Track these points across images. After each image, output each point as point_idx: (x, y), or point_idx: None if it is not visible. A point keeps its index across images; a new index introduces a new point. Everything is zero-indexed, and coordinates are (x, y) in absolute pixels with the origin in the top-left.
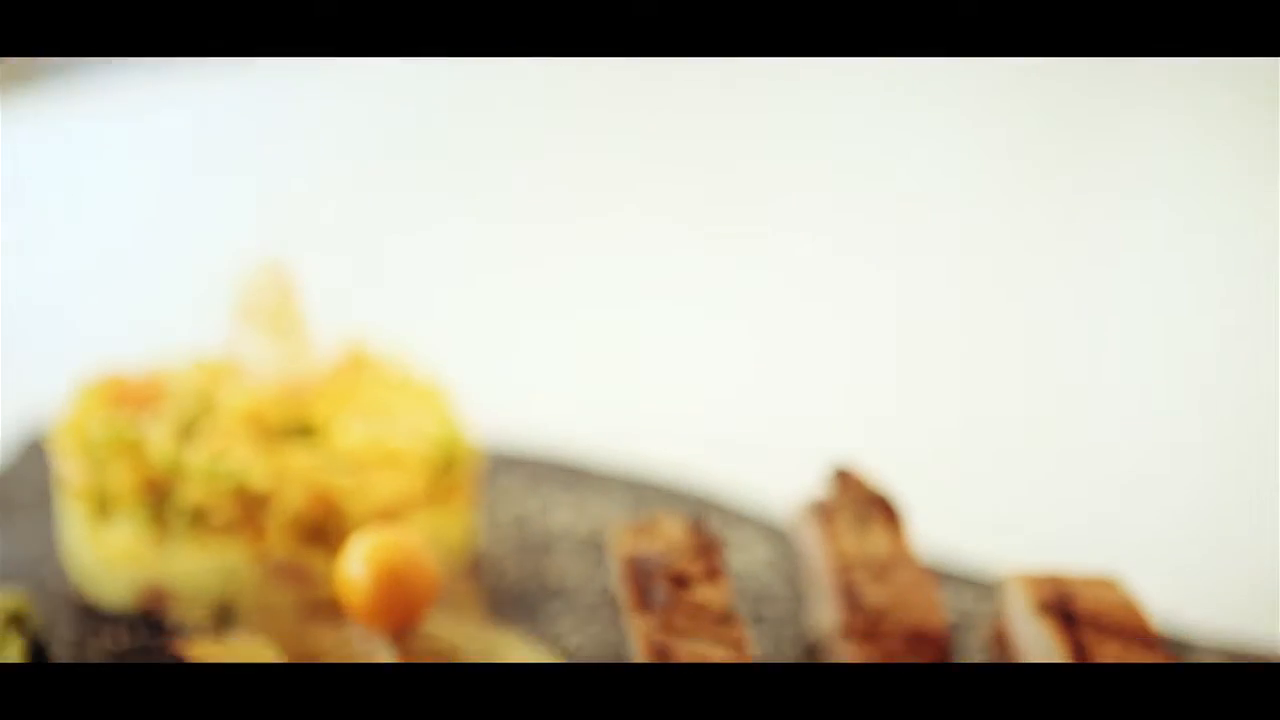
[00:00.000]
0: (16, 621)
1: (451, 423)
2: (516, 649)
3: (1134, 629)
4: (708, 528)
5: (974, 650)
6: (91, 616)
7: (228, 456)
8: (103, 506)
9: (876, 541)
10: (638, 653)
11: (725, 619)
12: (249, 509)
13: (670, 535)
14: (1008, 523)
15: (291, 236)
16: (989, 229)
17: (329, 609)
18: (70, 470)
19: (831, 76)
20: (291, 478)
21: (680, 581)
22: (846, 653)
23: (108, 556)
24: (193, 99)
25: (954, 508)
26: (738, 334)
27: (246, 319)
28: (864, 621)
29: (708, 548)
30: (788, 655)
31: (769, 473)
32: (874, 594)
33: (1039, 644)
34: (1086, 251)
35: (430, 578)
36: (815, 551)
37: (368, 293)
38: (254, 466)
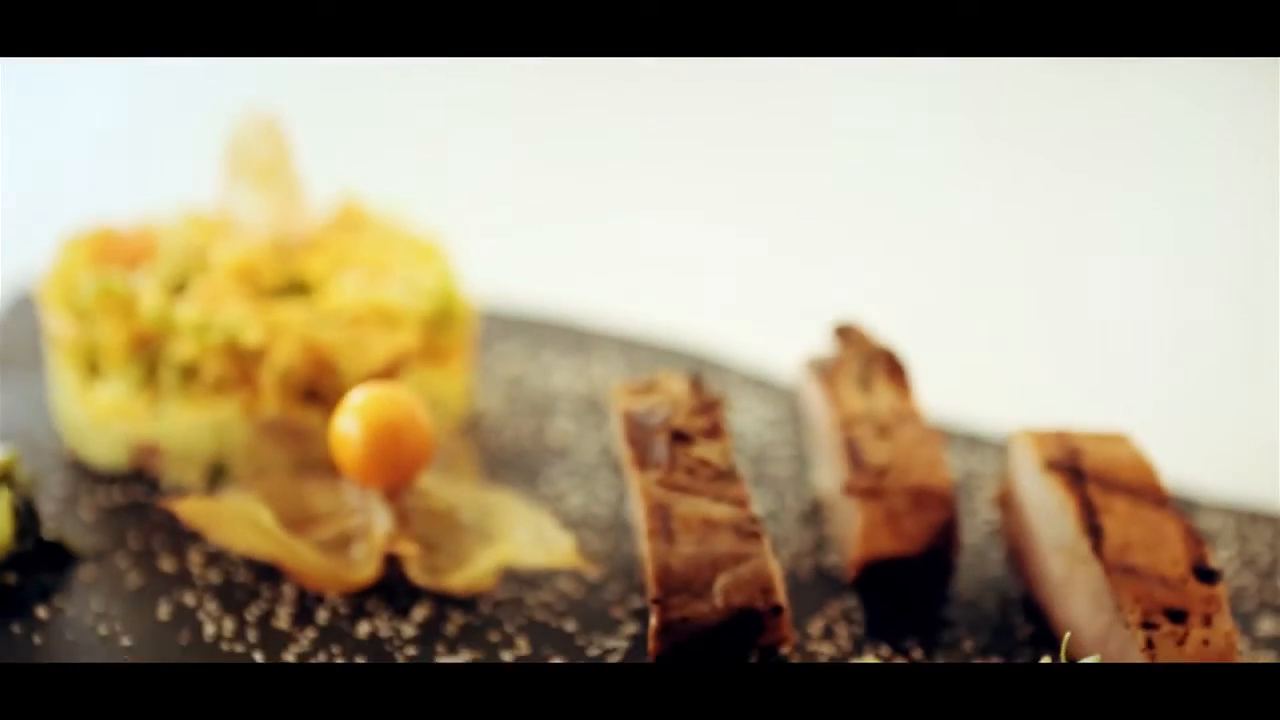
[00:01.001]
0: (4, 479)
1: (448, 279)
2: (514, 509)
3: (1143, 485)
4: (708, 386)
5: (980, 508)
6: (82, 475)
7: (220, 312)
8: (93, 364)
9: (880, 399)
10: (638, 510)
11: (725, 476)
12: (241, 366)
13: (671, 393)
14: (1014, 384)
15: (286, 90)
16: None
17: (323, 467)
18: (59, 327)
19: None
20: (285, 334)
21: (681, 438)
22: (849, 511)
23: (98, 414)
24: None
25: (961, 369)
26: (741, 197)
27: (239, 173)
28: (867, 479)
29: (708, 405)
30: (791, 513)
31: (772, 331)
32: (877, 451)
33: (1046, 501)
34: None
35: (426, 435)
36: (818, 409)
37: (364, 149)
38: (246, 323)
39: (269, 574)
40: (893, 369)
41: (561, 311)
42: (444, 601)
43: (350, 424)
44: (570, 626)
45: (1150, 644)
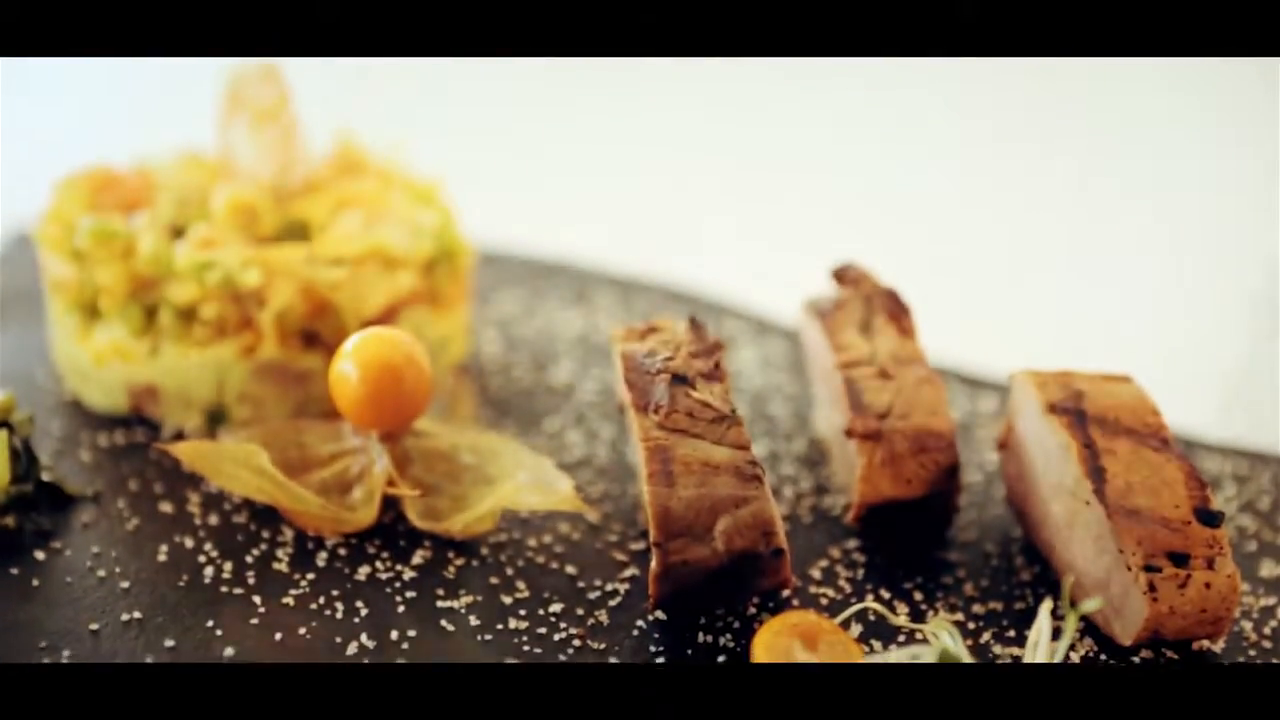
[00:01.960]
0: (2, 421)
1: (448, 222)
2: (514, 452)
3: (1145, 427)
4: (707, 329)
5: (982, 451)
6: (81, 417)
7: (218, 255)
8: (91, 306)
9: (881, 341)
10: (638, 453)
11: (726, 419)
12: (240, 309)
13: (671, 336)
14: (1017, 326)
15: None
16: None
17: (322, 410)
18: (56, 269)
19: None
20: (283, 277)
21: (681, 381)
22: (850, 454)
23: (97, 357)
24: None
25: (964, 310)
26: (742, 141)
27: (237, 117)
28: (868, 422)
29: (709, 348)
30: (791, 456)
31: (772, 274)
32: (878, 394)
33: (1048, 443)
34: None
35: (424, 378)
36: (818, 352)
37: (364, 93)
38: (245, 265)
39: (268, 516)
40: (894, 310)
41: (561, 255)
42: (443, 544)
43: (348, 367)
44: (571, 569)
45: (1152, 587)
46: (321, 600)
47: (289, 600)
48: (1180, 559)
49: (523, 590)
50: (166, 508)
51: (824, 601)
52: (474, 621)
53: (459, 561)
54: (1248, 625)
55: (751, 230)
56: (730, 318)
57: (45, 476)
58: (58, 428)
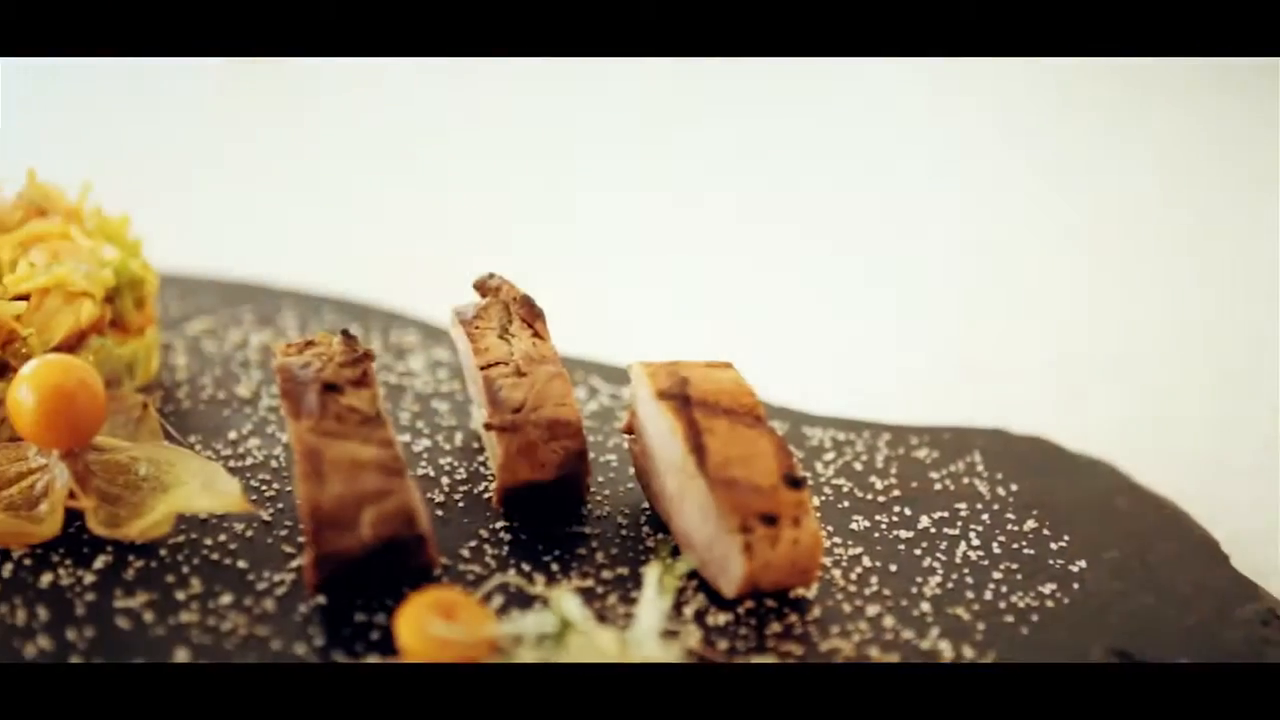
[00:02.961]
0: None
1: (132, 253)
2: (187, 461)
3: (741, 407)
4: (359, 341)
5: (615, 435)
6: None
7: None
8: None
9: (518, 343)
10: (295, 454)
11: (372, 421)
12: None
13: (326, 349)
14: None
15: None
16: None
17: (12, 433)
18: None
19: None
20: None
21: (331, 389)
22: (494, 444)
23: None
24: None
25: (590, 310)
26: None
27: None
28: (504, 415)
29: (358, 358)
30: (452, 450)
31: (432, 284)
32: (514, 390)
33: (660, 426)
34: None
35: (96, 397)
36: (466, 354)
37: (49, 132)
38: None
39: None
40: (528, 315)
41: (250, 276)
42: (125, 549)
43: (24, 392)
44: (242, 564)
45: (748, 546)
46: (4, 608)
47: None
48: (770, 520)
49: (196, 586)
50: None
51: (470, 577)
52: (148, 618)
53: (138, 564)
54: (837, 573)
55: (422, 244)
56: (404, 327)
57: None
58: None
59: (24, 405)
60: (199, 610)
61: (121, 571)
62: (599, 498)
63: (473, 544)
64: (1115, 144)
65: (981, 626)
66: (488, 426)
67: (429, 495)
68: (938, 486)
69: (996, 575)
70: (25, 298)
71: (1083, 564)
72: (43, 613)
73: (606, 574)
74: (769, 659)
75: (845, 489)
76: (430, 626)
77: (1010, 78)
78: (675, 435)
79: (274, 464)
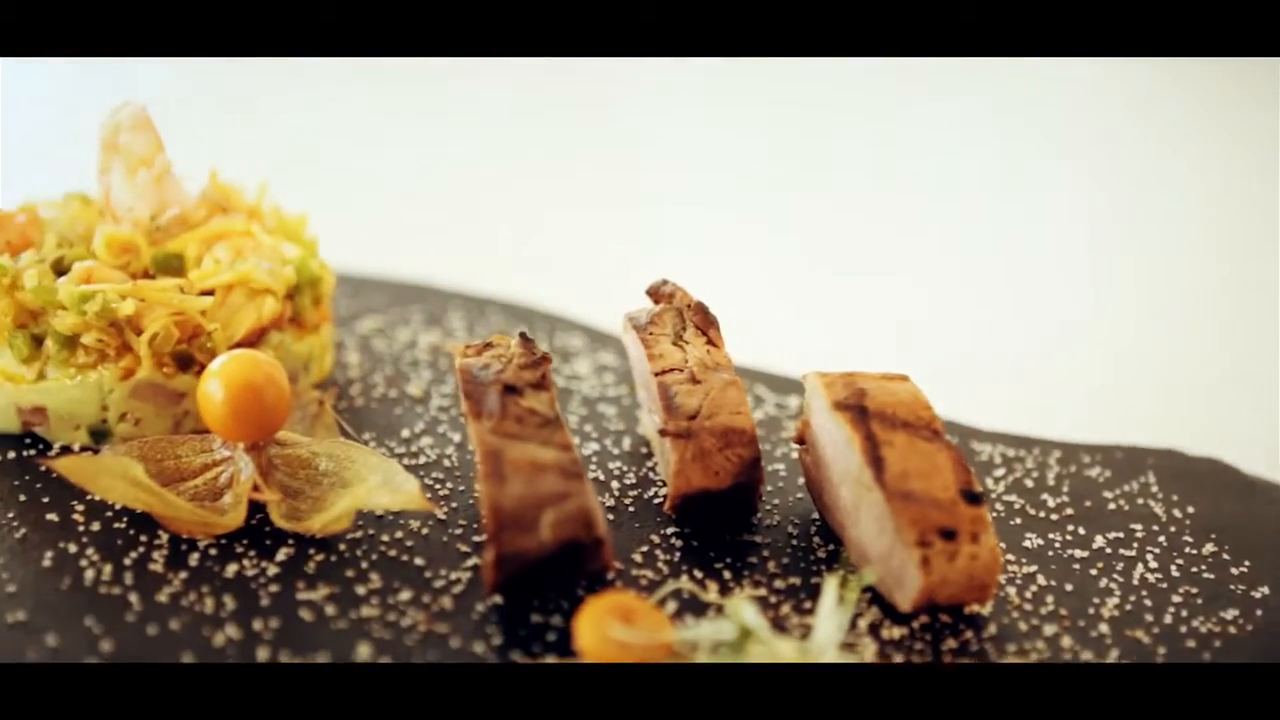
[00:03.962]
0: None
1: (310, 252)
2: (367, 458)
3: (919, 420)
4: (536, 344)
5: (789, 444)
6: None
7: (98, 288)
8: None
9: (692, 350)
10: (476, 454)
11: (551, 423)
12: (119, 335)
13: (505, 351)
14: (814, 332)
15: (155, 81)
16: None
17: (194, 424)
18: None
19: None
20: (157, 306)
21: (511, 390)
22: (667, 450)
23: None
24: None
25: (768, 321)
26: (574, 184)
27: (115, 162)
28: (679, 422)
29: (537, 361)
30: (620, 453)
31: (600, 289)
32: (689, 397)
33: (835, 436)
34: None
35: (283, 393)
36: (639, 360)
37: (234, 133)
38: (122, 296)
39: (146, 522)
40: (703, 322)
41: (419, 278)
42: (305, 542)
43: (213, 386)
44: (419, 561)
45: (925, 560)
46: (193, 596)
47: (163, 598)
48: (949, 534)
49: (375, 581)
50: (53, 517)
51: (643, 582)
52: (330, 611)
53: (319, 557)
54: (1012, 590)
55: (586, 249)
56: (568, 330)
57: None
58: None
59: (213, 399)
60: (379, 605)
61: (303, 564)
62: (768, 506)
63: (644, 549)
64: None
65: (1163, 650)
66: (662, 433)
67: (600, 499)
68: (1111, 506)
69: (1176, 599)
70: (210, 293)
71: (1265, 590)
72: (229, 602)
73: (779, 583)
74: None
75: (1017, 505)
76: (611, 630)
77: None
78: (853, 446)
79: (446, 463)
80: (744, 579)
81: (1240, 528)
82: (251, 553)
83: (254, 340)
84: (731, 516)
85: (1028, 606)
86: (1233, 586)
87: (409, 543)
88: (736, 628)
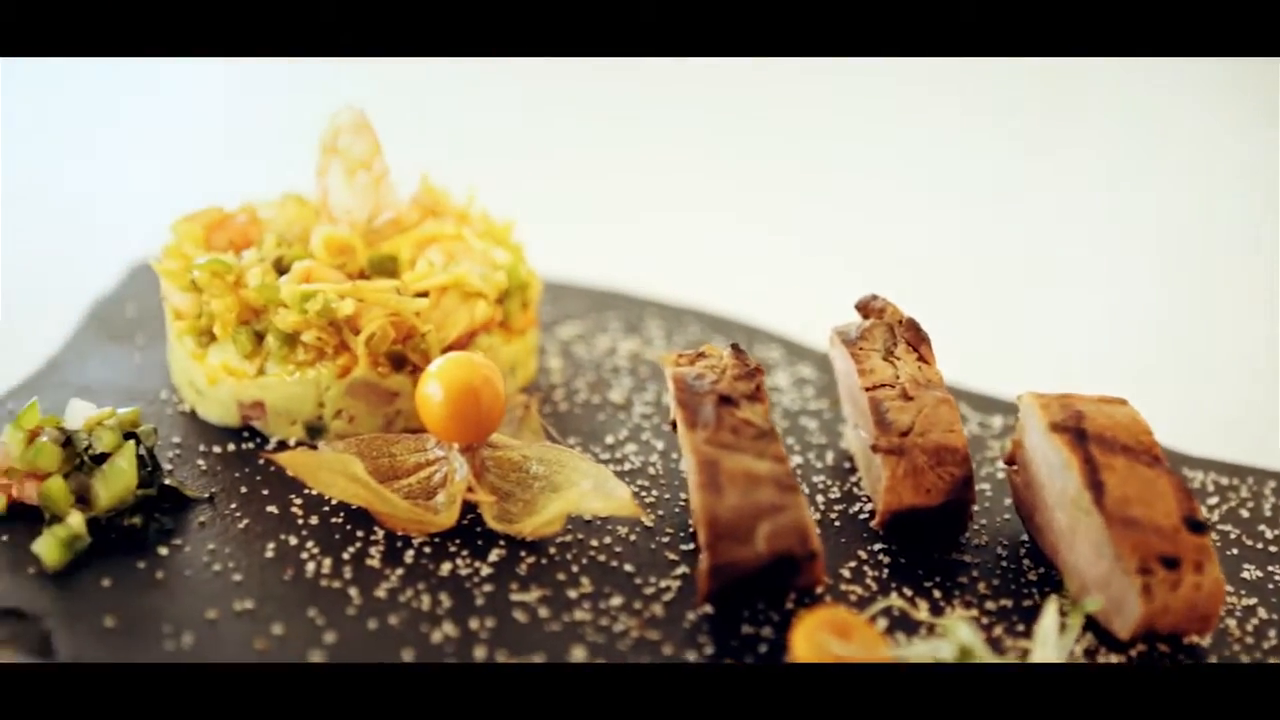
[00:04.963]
0: (129, 433)
1: (518, 258)
2: (577, 462)
3: (1139, 445)
4: (748, 355)
5: (993, 463)
6: (198, 429)
7: (318, 287)
8: (206, 331)
9: (903, 365)
10: (689, 464)
11: (766, 435)
12: (337, 334)
13: (717, 361)
14: (1023, 352)
15: (372, 87)
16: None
17: (409, 423)
18: (176, 298)
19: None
20: (374, 307)
21: (726, 401)
22: (877, 466)
23: (211, 375)
24: None
25: (976, 338)
26: (769, 190)
27: (333, 164)
28: (892, 439)
29: (750, 372)
30: (824, 469)
31: (807, 303)
32: (901, 413)
33: (1051, 459)
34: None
35: (499, 396)
36: (846, 374)
37: (443, 139)
38: (341, 296)
39: (361, 518)
40: (914, 339)
41: (617, 285)
42: (516, 544)
43: (434, 387)
44: (629, 567)
45: (1147, 588)
46: (410, 593)
47: (381, 593)
48: (1172, 563)
49: (586, 585)
50: (273, 509)
51: (853, 598)
52: (543, 613)
53: (530, 560)
54: (1232, 623)
55: (781, 261)
56: (765, 342)
57: (167, 481)
58: (177, 438)
59: (432, 400)
60: (591, 609)
61: (514, 566)
62: (976, 527)
63: (852, 564)
64: None
65: None
66: (874, 449)
67: None
68: None
69: None
70: (424, 295)
71: None
72: (445, 600)
73: (990, 604)
74: None
75: (1233, 535)
76: (828, 644)
77: None
78: (1070, 470)
79: (651, 470)
80: (955, 599)
81: None
82: (464, 553)
83: (464, 343)
84: (940, 535)
85: (1249, 640)
86: None
87: (618, 549)
88: (955, 647)
